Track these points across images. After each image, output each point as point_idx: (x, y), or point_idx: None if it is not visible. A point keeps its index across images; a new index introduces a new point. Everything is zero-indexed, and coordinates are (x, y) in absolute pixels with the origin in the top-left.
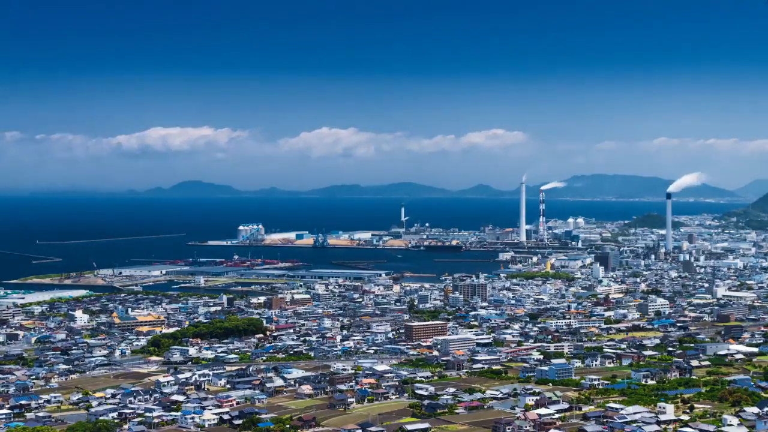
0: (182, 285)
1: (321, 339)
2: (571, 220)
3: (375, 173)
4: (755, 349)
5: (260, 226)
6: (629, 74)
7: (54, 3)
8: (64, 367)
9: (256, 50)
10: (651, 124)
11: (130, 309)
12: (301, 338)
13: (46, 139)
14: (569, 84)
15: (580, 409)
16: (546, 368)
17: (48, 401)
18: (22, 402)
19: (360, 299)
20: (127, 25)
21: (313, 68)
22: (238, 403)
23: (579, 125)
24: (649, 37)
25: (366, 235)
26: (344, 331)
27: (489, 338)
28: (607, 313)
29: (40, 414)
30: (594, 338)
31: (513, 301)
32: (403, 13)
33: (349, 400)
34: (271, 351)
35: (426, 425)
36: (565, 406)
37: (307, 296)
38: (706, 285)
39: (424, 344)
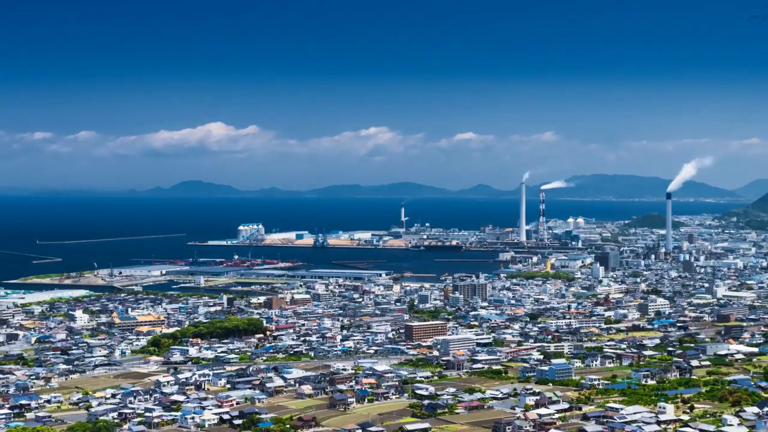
0: (182, 285)
1: (321, 339)
2: (571, 220)
3: (375, 173)
4: (755, 349)
5: (260, 226)
6: (632, 76)
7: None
8: (64, 367)
9: (262, 53)
10: (652, 124)
11: (130, 309)
12: (301, 338)
13: (55, 138)
14: (570, 85)
15: (580, 409)
16: (546, 368)
17: (48, 401)
18: (22, 402)
19: (360, 299)
20: (138, 27)
21: (315, 70)
22: (238, 403)
23: (580, 126)
24: (649, 40)
25: (366, 235)
26: (344, 331)
27: (489, 338)
28: (607, 313)
29: (40, 414)
30: (594, 338)
31: (513, 301)
32: (406, 16)
33: (349, 400)
34: (271, 351)
35: (426, 425)
36: (565, 406)
37: (307, 296)
38: (706, 285)
39: (424, 344)
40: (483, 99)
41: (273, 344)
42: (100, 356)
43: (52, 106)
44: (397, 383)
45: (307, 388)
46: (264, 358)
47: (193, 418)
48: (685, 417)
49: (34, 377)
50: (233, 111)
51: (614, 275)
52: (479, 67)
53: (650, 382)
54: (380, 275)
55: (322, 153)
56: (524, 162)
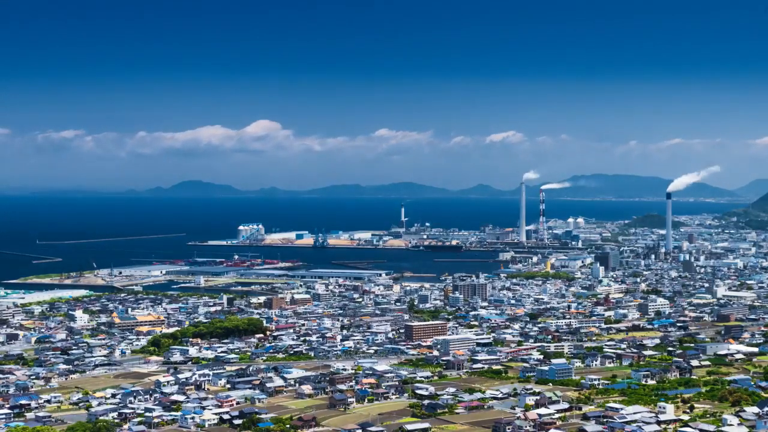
0: (182, 285)
1: (321, 339)
2: (571, 220)
3: (375, 173)
4: (755, 349)
5: (260, 226)
6: (632, 76)
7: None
8: (64, 367)
9: (288, 52)
10: (652, 124)
11: (130, 309)
12: (301, 338)
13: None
14: (571, 86)
15: (580, 409)
16: (546, 368)
17: (48, 401)
18: (22, 402)
19: (360, 299)
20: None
21: (310, 68)
22: (238, 403)
23: (580, 126)
24: (650, 40)
25: (366, 235)
26: (344, 331)
27: (489, 338)
28: (607, 313)
29: (40, 414)
30: (594, 338)
31: (513, 301)
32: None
33: (349, 400)
34: (271, 351)
35: (426, 425)
36: (565, 406)
37: (307, 296)
38: (706, 285)
39: (424, 344)
40: (483, 99)
41: (273, 344)
42: (100, 356)
43: (47, 106)
44: (397, 383)
45: (307, 388)
46: (264, 358)
47: (193, 418)
48: (685, 417)
49: (34, 377)
50: (279, 110)
51: (614, 275)
52: (479, 66)
53: (650, 382)
54: (380, 275)
55: (338, 153)
56: (524, 162)
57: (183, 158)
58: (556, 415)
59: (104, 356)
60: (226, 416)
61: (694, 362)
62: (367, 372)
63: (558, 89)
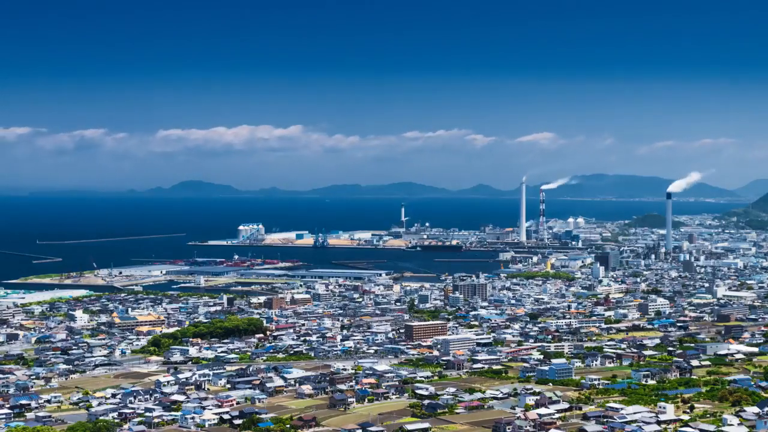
0: (182, 285)
1: (321, 339)
2: (571, 219)
3: (375, 173)
4: (755, 349)
5: (260, 226)
6: (631, 76)
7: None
8: (64, 367)
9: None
10: (651, 124)
11: (130, 309)
12: (301, 338)
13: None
14: (571, 85)
15: (580, 408)
16: (546, 368)
17: (48, 401)
18: (22, 402)
19: (360, 299)
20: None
21: (301, 67)
22: (238, 403)
23: (580, 125)
24: (651, 40)
25: (366, 235)
26: (344, 331)
27: (489, 338)
28: (607, 313)
29: (40, 414)
30: (594, 338)
31: (513, 301)
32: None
33: (349, 400)
34: (271, 351)
35: (426, 425)
36: (565, 405)
37: (307, 296)
38: (707, 285)
39: (424, 344)
40: (484, 98)
41: (273, 344)
42: (100, 356)
43: (78, 104)
44: (397, 383)
45: (307, 388)
46: (264, 358)
47: (193, 418)
48: (685, 417)
49: (34, 377)
50: (318, 112)
51: (614, 275)
52: (480, 66)
53: (650, 382)
54: (380, 275)
55: (351, 152)
56: (524, 162)
57: (201, 157)
58: (556, 415)
59: (104, 356)
60: (226, 416)
61: (694, 362)
62: (367, 372)
63: (559, 88)
